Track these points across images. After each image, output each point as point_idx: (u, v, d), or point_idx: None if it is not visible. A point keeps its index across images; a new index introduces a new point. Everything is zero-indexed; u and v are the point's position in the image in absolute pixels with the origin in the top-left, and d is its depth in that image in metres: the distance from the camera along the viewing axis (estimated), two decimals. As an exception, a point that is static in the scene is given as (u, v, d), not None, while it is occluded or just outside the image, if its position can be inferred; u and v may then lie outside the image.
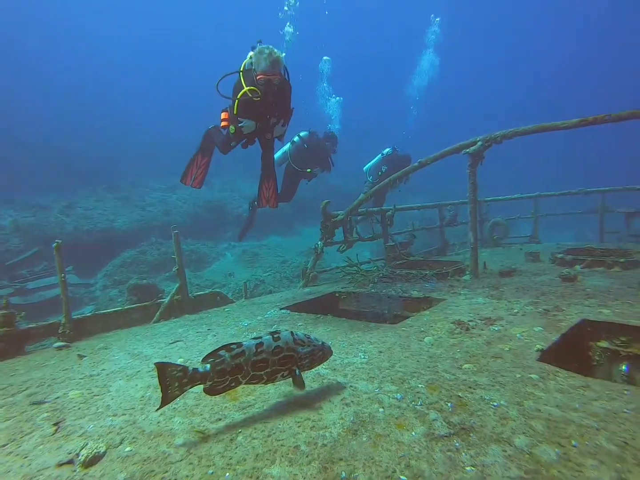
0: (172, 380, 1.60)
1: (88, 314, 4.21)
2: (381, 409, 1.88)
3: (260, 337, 1.78)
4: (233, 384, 1.71)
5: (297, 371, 1.83)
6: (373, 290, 4.66)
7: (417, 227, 7.79)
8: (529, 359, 2.35)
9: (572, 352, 2.75)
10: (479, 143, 4.66)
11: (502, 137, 4.54)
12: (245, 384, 1.74)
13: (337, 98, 11.59)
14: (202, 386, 1.73)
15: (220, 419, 1.88)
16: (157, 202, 18.50)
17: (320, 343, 1.94)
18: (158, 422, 1.89)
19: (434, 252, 8.28)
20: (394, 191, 8.88)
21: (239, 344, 1.72)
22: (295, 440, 1.66)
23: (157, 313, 4.37)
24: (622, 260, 4.81)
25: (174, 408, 2.01)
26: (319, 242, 6.21)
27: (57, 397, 2.31)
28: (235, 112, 4.30)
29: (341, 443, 1.63)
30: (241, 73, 4.26)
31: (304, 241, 17.64)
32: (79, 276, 12.41)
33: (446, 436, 1.64)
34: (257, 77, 4.12)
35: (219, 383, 1.67)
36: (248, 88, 4.13)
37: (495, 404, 1.86)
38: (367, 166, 9.64)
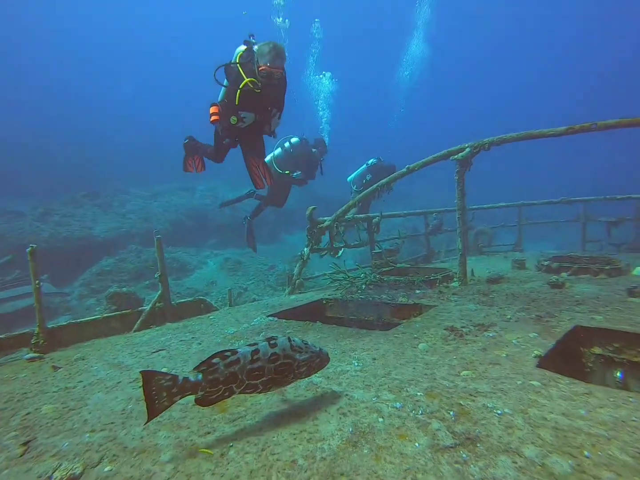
0: (160, 391, 1.46)
1: (64, 323, 3.98)
2: (381, 419, 1.78)
3: (256, 344, 1.66)
4: (226, 394, 1.58)
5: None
6: (361, 297, 4.58)
7: (403, 234, 7.77)
8: (528, 365, 2.29)
9: (566, 358, 2.71)
10: (467, 149, 4.66)
11: (489, 144, 4.56)
12: (239, 393, 1.62)
13: (329, 75, 11.06)
14: (189, 397, 1.59)
15: (209, 432, 1.75)
16: (137, 209, 18.08)
17: (317, 349, 1.83)
18: (141, 437, 1.74)
19: (419, 259, 8.27)
20: (378, 201, 8.88)
21: (234, 351, 1.59)
22: (291, 454, 1.54)
23: (138, 321, 4.18)
24: (607, 267, 4.87)
25: (159, 421, 1.86)
26: (305, 249, 6.11)
27: (28, 413, 2.13)
28: (237, 103, 4.18)
29: (341, 456, 1.52)
30: (239, 64, 4.17)
31: (288, 249, 17.51)
32: (55, 285, 11.94)
33: (452, 447, 1.55)
34: (260, 69, 4.06)
35: (211, 393, 1.54)
36: (249, 79, 4.05)
37: (499, 412, 1.78)
38: (351, 177, 9.65)
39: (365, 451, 1.55)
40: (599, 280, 4.71)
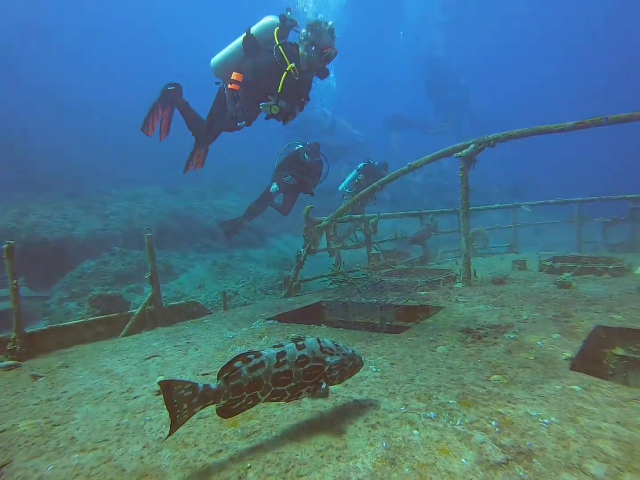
0: (181, 402, 1.23)
1: (43, 327, 3.67)
2: (415, 431, 1.58)
3: (282, 345, 1.44)
4: (250, 402, 1.35)
5: (323, 385, 1.50)
6: (363, 299, 4.38)
7: (400, 235, 7.61)
8: (561, 368, 2.13)
9: (592, 360, 2.56)
10: (472, 146, 4.53)
11: (495, 140, 4.43)
12: (264, 401, 1.39)
13: None
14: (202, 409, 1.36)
15: (220, 450, 1.51)
16: (120, 210, 17.50)
17: (350, 351, 1.62)
18: (141, 458, 1.49)
19: (416, 261, 8.11)
20: (369, 204, 8.72)
21: (257, 353, 1.37)
22: (321, 476, 1.33)
23: (127, 325, 3.88)
24: (611, 267, 4.79)
25: (159, 438, 1.62)
26: (302, 250, 5.89)
27: (3, 430, 1.85)
28: (280, 90, 3.83)
29: (380, 477, 1.31)
30: (280, 46, 3.82)
31: (276, 253, 17.22)
32: (32, 288, 11.38)
33: (504, 463, 1.36)
34: (324, 51, 3.76)
35: (234, 401, 1.31)
36: (292, 65, 3.74)
37: (546, 421, 1.60)
38: (342, 185, 9.41)
39: (407, 470, 1.34)
40: (604, 279, 4.63)
